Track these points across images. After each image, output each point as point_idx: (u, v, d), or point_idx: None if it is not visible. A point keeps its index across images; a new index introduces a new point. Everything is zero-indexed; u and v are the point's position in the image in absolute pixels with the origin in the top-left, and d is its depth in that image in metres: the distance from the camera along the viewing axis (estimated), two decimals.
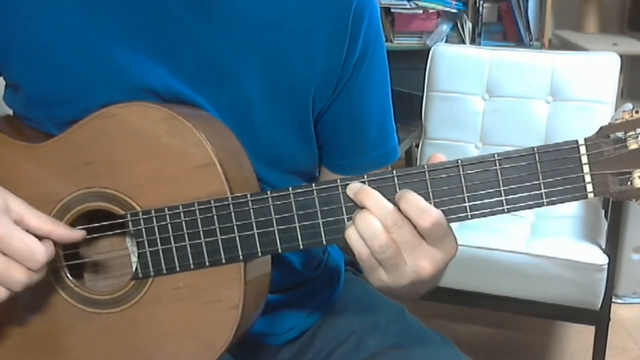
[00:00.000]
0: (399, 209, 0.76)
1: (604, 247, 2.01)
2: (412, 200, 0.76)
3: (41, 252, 0.79)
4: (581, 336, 2.40)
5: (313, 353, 1.04)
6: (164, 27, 0.87)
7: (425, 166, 0.77)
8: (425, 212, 0.75)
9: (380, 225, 0.76)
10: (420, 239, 0.76)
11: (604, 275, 1.94)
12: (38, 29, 0.87)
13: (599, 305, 1.97)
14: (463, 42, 3.47)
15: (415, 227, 0.76)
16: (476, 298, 2.08)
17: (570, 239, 2.10)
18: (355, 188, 0.78)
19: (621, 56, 2.40)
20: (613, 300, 2.14)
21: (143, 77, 0.87)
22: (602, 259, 1.95)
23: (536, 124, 2.40)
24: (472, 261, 2.02)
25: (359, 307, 1.08)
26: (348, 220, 0.79)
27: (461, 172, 0.77)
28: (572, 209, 2.27)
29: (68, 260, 0.87)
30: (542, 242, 2.05)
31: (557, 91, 2.39)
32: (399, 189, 0.77)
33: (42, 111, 0.91)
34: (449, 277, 2.25)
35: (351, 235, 0.77)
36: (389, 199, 0.77)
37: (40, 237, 0.80)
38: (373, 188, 0.77)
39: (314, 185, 0.79)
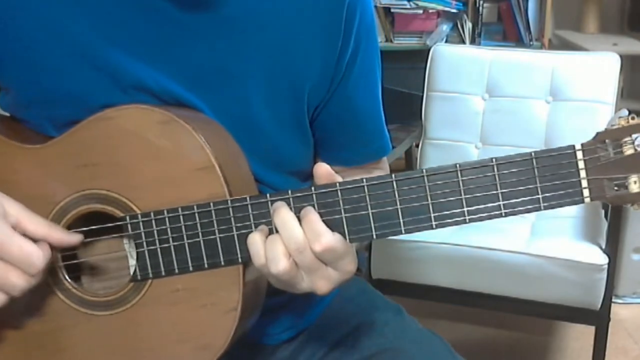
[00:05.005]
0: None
1: (604, 247, 2.01)
2: (311, 222, 0.78)
3: (39, 257, 0.80)
4: (581, 336, 2.40)
5: (310, 353, 1.04)
6: (163, 29, 0.87)
7: (424, 171, 0.78)
8: (319, 236, 0.78)
9: (283, 249, 0.78)
10: (319, 262, 0.79)
11: (604, 275, 1.94)
12: (34, 32, 0.87)
13: (599, 305, 1.97)
14: (463, 42, 3.46)
15: None
16: (476, 298, 2.08)
17: (570, 239, 2.10)
18: (276, 206, 0.80)
19: (621, 56, 2.39)
20: (613, 300, 2.13)
21: (140, 79, 0.87)
22: (602, 259, 1.94)
23: (536, 124, 2.40)
24: (472, 261, 2.02)
25: (356, 307, 1.08)
26: None
27: (459, 177, 0.77)
28: (572, 209, 2.26)
29: (65, 262, 0.87)
30: (542, 242, 2.05)
31: (557, 91, 2.39)
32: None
33: (40, 112, 0.91)
34: (449, 277, 2.25)
35: (258, 252, 0.79)
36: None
37: (37, 241, 0.81)
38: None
39: (313, 188, 0.80)
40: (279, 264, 0.78)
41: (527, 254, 1.99)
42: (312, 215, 0.78)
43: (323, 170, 0.80)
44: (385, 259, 2.12)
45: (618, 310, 2.55)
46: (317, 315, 1.08)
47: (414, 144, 2.66)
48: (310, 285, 0.80)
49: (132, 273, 0.86)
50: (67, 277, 0.87)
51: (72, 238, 0.84)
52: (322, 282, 0.79)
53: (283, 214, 0.79)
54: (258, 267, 0.80)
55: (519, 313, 2.18)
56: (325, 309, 1.09)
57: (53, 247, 0.83)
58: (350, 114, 0.99)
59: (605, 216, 2.18)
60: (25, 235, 0.81)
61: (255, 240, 0.79)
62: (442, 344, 1.04)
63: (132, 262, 0.88)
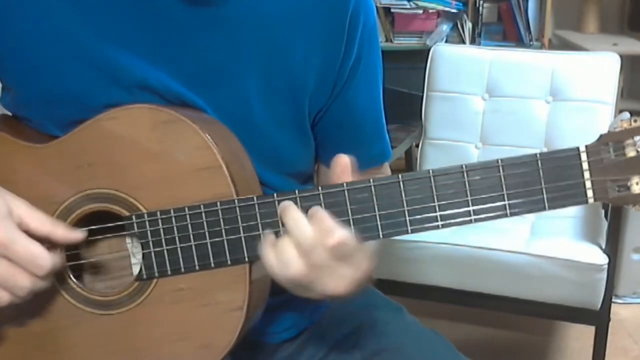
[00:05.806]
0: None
1: (604, 247, 2.01)
2: (321, 220, 0.78)
3: (45, 259, 0.80)
4: (581, 336, 2.40)
5: (311, 352, 1.04)
6: (163, 28, 0.88)
7: (430, 171, 0.78)
8: (331, 232, 0.77)
9: (295, 252, 0.78)
10: (333, 260, 0.78)
11: (604, 275, 1.94)
12: (33, 32, 0.87)
13: (599, 305, 1.97)
14: (463, 42, 3.46)
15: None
16: (476, 298, 2.08)
17: (570, 239, 2.10)
18: (284, 206, 0.80)
19: (621, 56, 2.39)
20: (613, 300, 2.13)
21: (142, 78, 0.88)
22: (602, 259, 1.95)
23: (536, 124, 2.40)
24: (472, 261, 2.02)
25: (356, 307, 1.08)
26: None
27: (465, 178, 0.78)
28: (572, 209, 2.26)
29: (69, 261, 0.87)
30: (542, 242, 2.06)
31: (557, 91, 2.39)
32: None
33: (41, 112, 0.91)
34: (449, 277, 2.25)
35: (270, 258, 0.80)
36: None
37: (41, 239, 0.81)
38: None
39: (320, 188, 0.80)
40: (293, 266, 0.78)
41: (527, 254, 1.99)
42: (321, 213, 0.79)
43: (342, 161, 0.80)
44: (385, 259, 2.12)
45: (618, 310, 2.55)
46: (318, 314, 1.08)
47: (414, 144, 2.67)
48: (325, 287, 0.79)
49: (136, 272, 0.86)
50: (71, 277, 0.87)
51: (76, 235, 0.84)
52: (337, 281, 0.79)
53: (293, 213, 0.79)
54: (272, 274, 0.80)
55: (519, 313, 2.18)
56: (327, 308, 1.09)
57: (57, 245, 0.83)
58: (351, 118, 0.99)
59: (605, 216, 2.18)
60: (28, 232, 0.81)
61: (267, 251, 0.80)
62: (444, 343, 1.04)
63: (135, 261, 0.88)
